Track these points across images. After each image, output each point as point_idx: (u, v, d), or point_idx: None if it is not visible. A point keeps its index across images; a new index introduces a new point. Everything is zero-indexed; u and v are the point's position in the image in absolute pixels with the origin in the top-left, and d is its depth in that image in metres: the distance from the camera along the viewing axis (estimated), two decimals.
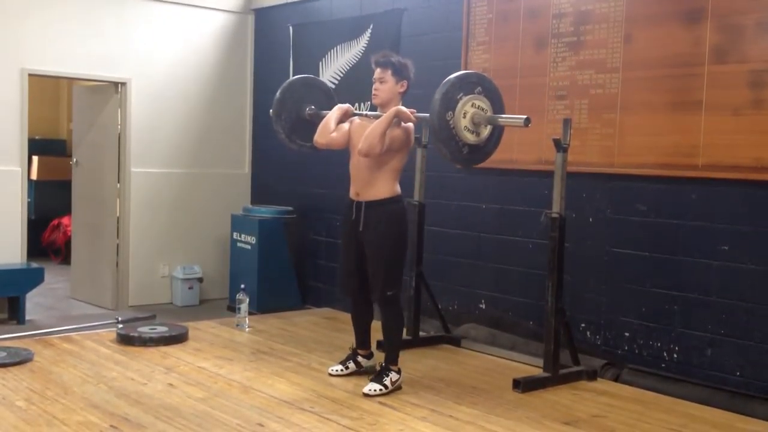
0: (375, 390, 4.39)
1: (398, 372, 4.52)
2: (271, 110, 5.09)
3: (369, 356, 4.80)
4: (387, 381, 4.43)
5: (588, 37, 5.37)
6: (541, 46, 5.63)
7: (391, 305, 4.54)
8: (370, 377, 4.51)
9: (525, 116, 4.36)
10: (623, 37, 5.17)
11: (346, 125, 4.67)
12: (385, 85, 4.49)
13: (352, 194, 4.59)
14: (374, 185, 4.49)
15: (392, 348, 4.57)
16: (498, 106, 4.47)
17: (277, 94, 5.07)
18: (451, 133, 4.31)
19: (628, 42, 5.15)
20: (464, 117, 4.32)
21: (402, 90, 4.52)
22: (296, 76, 5.25)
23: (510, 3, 5.83)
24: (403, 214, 4.56)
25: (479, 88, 4.40)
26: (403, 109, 4.42)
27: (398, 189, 4.55)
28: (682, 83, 4.87)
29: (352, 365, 4.75)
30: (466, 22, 6.10)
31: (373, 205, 4.48)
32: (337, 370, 4.74)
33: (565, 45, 5.49)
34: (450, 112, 4.28)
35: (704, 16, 4.76)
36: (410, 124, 4.49)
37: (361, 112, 4.77)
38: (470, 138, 4.36)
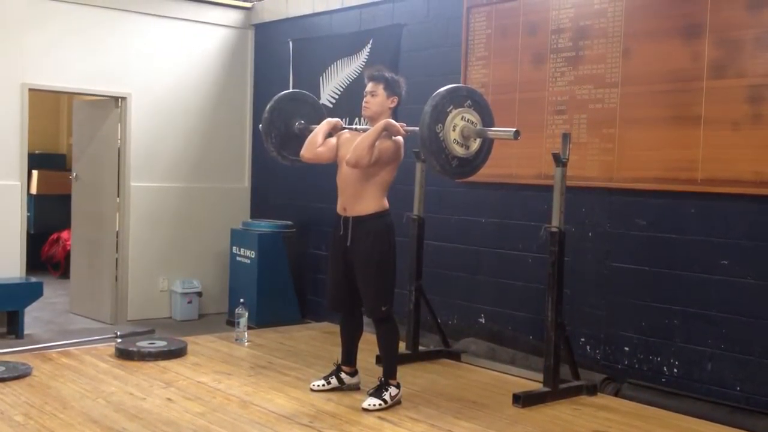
0: (374, 405, 4.37)
1: (397, 386, 4.50)
2: (260, 127, 5.10)
3: (353, 374, 4.76)
4: (386, 396, 4.41)
5: (587, 52, 5.39)
6: (540, 61, 5.65)
7: (386, 321, 4.52)
8: (369, 391, 4.50)
9: (514, 129, 4.36)
10: (622, 52, 5.19)
11: (333, 139, 4.66)
12: (376, 98, 4.50)
13: (339, 209, 4.57)
14: (362, 199, 4.46)
15: (390, 361, 4.55)
16: (488, 120, 4.46)
17: (265, 113, 5.08)
18: (441, 146, 4.29)
19: (627, 57, 5.17)
20: (454, 130, 4.31)
21: (392, 105, 4.53)
22: (282, 93, 5.23)
23: (509, 18, 5.86)
24: (391, 229, 4.53)
25: (469, 102, 4.39)
26: (393, 122, 4.43)
27: (386, 203, 4.53)
28: (681, 98, 4.89)
29: (334, 381, 4.71)
30: (465, 37, 6.13)
31: (360, 220, 4.46)
32: (318, 385, 4.71)
33: (564, 60, 5.51)
34: (440, 125, 4.27)
35: (702, 32, 4.78)
36: (400, 138, 4.50)
37: (350, 126, 4.77)
38: (460, 151, 4.35)
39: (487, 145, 4.53)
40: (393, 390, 4.46)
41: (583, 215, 5.38)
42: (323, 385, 4.71)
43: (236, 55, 8.29)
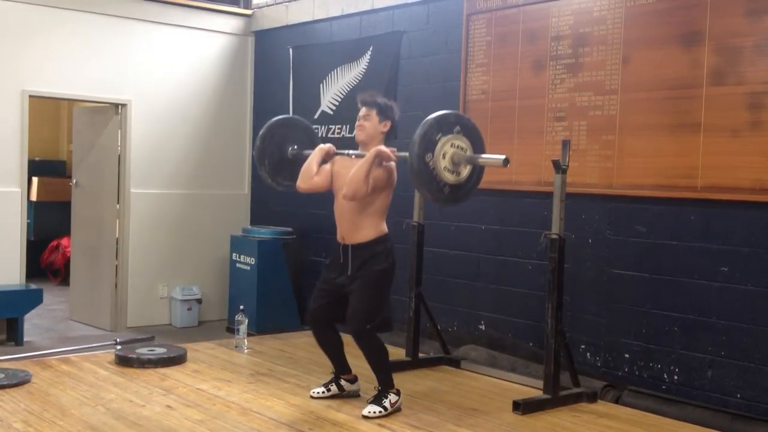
0: (374, 412, 4.36)
1: (397, 393, 4.50)
2: (253, 155, 5.10)
3: (353, 380, 4.75)
4: (386, 403, 4.41)
5: (586, 59, 5.40)
6: (539, 68, 5.66)
7: (366, 338, 4.45)
8: (369, 399, 4.49)
9: (503, 156, 4.32)
10: (621, 59, 5.20)
11: (328, 166, 4.66)
12: (369, 122, 4.50)
13: (338, 237, 4.56)
14: (360, 228, 4.46)
15: (383, 374, 4.52)
16: (477, 145, 4.44)
17: (257, 140, 5.07)
18: (432, 175, 4.26)
19: (627, 64, 5.18)
20: (444, 158, 4.27)
21: (385, 130, 4.52)
22: (274, 119, 5.20)
23: (509, 25, 5.87)
24: (391, 252, 4.51)
25: (458, 127, 4.35)
26: (383, 148, 4.41)
27: (385, 228, 4.52)
28: (681, 105, 4.90)
29: (334, 388, 4.71)
30: (465, 45, 6.14)
31: (359, 247, 4.45)
32: (318, 393, 4.71)
33: (564, 67, 5.52)
34: (429, 154, 4.23)
35: (702, 39, 4.79)
36: (392, 164, 4.49)
37: (343, 151, 4.76)
38: (450, 178, 4.32)
39: (479, 168, 4.50)
40: (393, 397, 4.46)
41: (583, 222, 5.38)
42: (323, 392, 4.70)
43: (236, 63, 8.30)
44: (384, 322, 4.51)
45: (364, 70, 7.04)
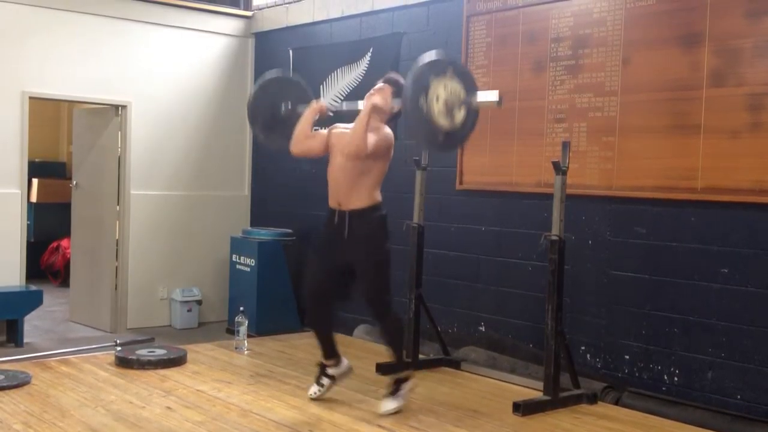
0: (393, 408, 4.43)
1: (408, 378, 4.55)
2: (246, 112, 5.03)
3: (338, 363, 4.66)
4: (402, 394, 4.48)
5: (586, 60, 5.40)
6: (539, 70, 5.66)
7: (390, 313, 4.51)
8: (384, 395, 4.52)
9: (497, 92, 4.28)
10: (621, 60, 5.21)
11: (324, 131, 4.61)
12: (383, 93, 4.45)
13: (332, 203, 4.51)
14: (357, 193, 4.42)
15: (398, 350, 4.57)
16: (471, 86, 4.34)
17: (250, 98, 5.01)
18: (425, 119, 4.19)
19: (627, 65, 5.18)
20: (437, 101, 4.20)
21: (395, 111, 4.46)
22: (267, 77, 5.08)
23: (508, 27, 5.87)
24: (386, 221, 4.51)
25: (450, 69, 4.26)
26: (378, 99, 4.37)
27: (379, 197, 4.49)
28: (681, 107, 4.90)
29: (326, 381, 4.64)
30: (465, 46, 6.14)
31: (356, 214, 4.42)
32: (315, 392, 4.64)
33: (564, 68, 5.52)
34: (423, 98, 4.16)
35: (702, 40, 4.80)
36: (390, 135, 4.46)
37: (337, 106, 4.67)
38: (445, 123, 4.24)
39: (473, 113, 4.40)
40: (406, 386, 4.52)
41: (583, 223, 5.38)
42: (319, 390, 4.66)
43: (236, 64, 8.31)
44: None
45: (364, 72, 7.05)
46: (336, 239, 4.49)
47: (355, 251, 4.44)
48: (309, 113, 4.60)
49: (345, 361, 4.70)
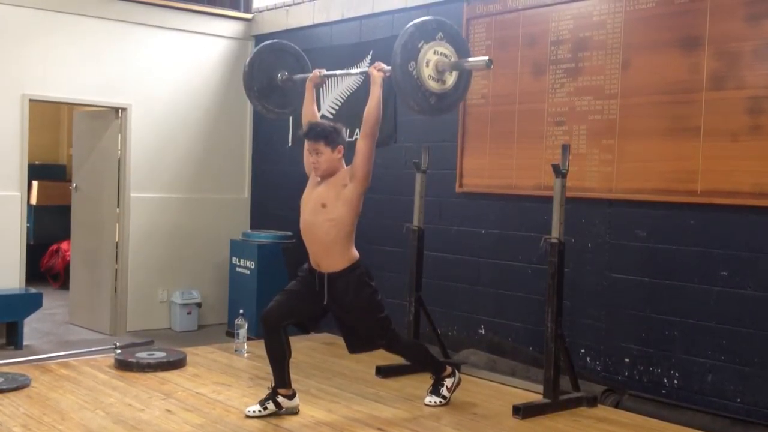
0: (435, 402, 4.59)
1: (452, 375, 4.67)
2: (242, 81, 5.03)
3: (291, 396, 4.43)
4: (444, 391, 4.61)
5: (586, 63, 5.40)
6: (539, 73, 5.67)
7: (400, 339, 4.59)
8: (428, 389, 4.64)
9: (486, 58, 4.27)
10: (621, 63, 5.21)
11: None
12: (322, 156, 4.30)
13: (312, 263, 4.40)
14: (332, 254, 4.30)
15: (430, 365, 4.69)
16: (462, 50, 4.33)
17: (245, 65, 5.01)
18: (416, 84, 4.16)
19: (626, 68, 5.18)
20: (427, 66, 4.18)
21: (340, 156, 4.34)
22: (263, 45, 5.10)
23: (508, 30, 5.87)
24: (368, 276, 4.39)
25: (440, 34, 4.24)
26: (376, 73, 4.37)
27: (356, 253, 4.37)
28: (681, 109, 4.90)
29: (271, 406, 4.37)
30: None
31: (335, 276, 4.32)
32: (254, 411, 4.37)
33: (564, 71, 5.52)
34: (412, 62, 4.13)
35: (702, 43, 4.80)
36: (360, 191, 4.34)
37: (332, 72, 4.76)
38: (435, 87, 4.22)
39: (466, 76, 4.38)
40: (448, 382, 4.64)
41: (583, 226, 5.38)
42: (259, 410, 4.37)
43: (236, 67, 8.28)
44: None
45: (364, 75, 7.03)
46: (316, 296, 4.37)
47: (339, 310, 4.40)
48: (309, 89, 4.69)
49: (297, 399, 4.47)
